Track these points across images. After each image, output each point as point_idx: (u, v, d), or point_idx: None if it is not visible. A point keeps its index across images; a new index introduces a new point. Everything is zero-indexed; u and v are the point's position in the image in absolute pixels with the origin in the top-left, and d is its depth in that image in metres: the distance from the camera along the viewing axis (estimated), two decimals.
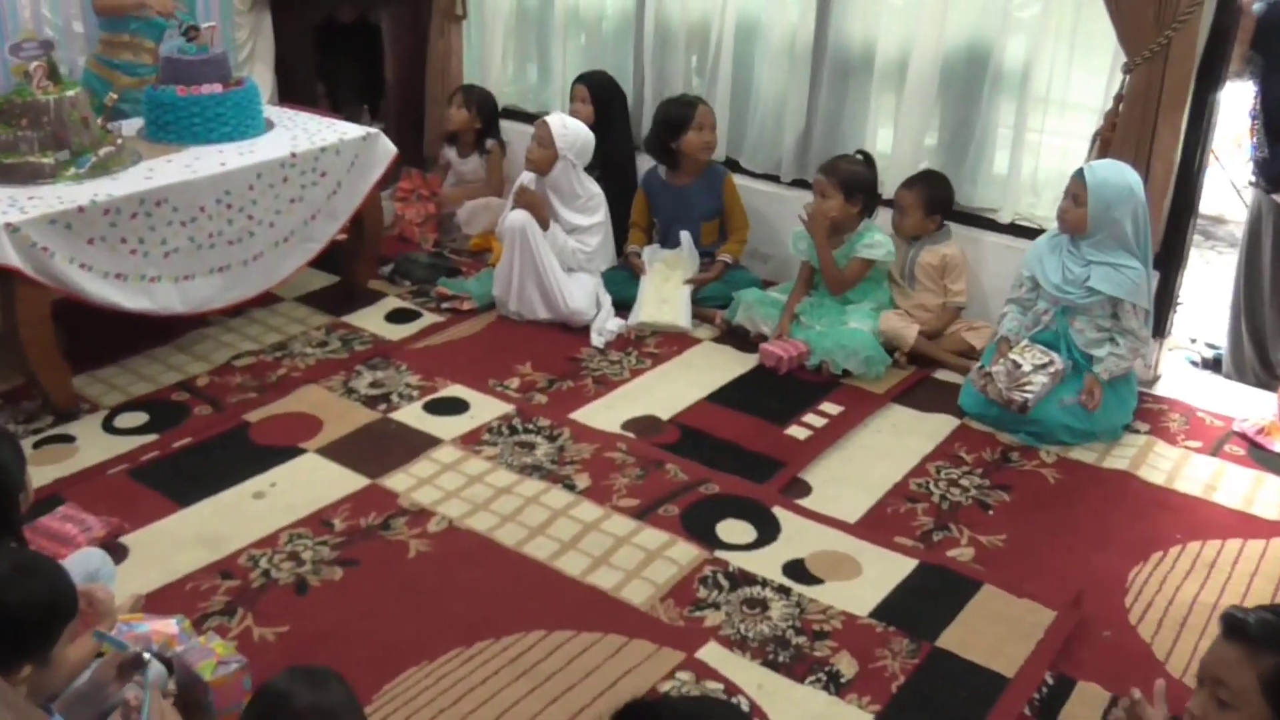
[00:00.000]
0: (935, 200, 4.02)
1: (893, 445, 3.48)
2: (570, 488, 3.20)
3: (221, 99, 3.92)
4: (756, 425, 3.57)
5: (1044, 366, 3.43)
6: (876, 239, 3.99)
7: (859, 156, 4.03)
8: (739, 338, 4.11)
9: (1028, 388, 3.41)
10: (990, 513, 3.17)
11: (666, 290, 4.24)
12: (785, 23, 4.46)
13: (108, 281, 3.48)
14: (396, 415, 3.57)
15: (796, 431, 3.54)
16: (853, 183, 3.94)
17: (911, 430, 3.57)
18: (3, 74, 4.21)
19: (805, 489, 3.25)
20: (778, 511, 3.13)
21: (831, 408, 3.68)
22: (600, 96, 4.72)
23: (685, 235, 4.35)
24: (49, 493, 3.13)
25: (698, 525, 3.06)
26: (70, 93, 3.58)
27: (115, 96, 4.13)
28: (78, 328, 3.70)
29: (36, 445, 3.39)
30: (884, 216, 4.13)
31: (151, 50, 4.28)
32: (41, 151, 3.52)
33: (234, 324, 4.13)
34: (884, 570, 2.91)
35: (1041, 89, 3.97)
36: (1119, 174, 3.43)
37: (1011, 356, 3.47)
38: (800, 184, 4.54)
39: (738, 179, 4.50)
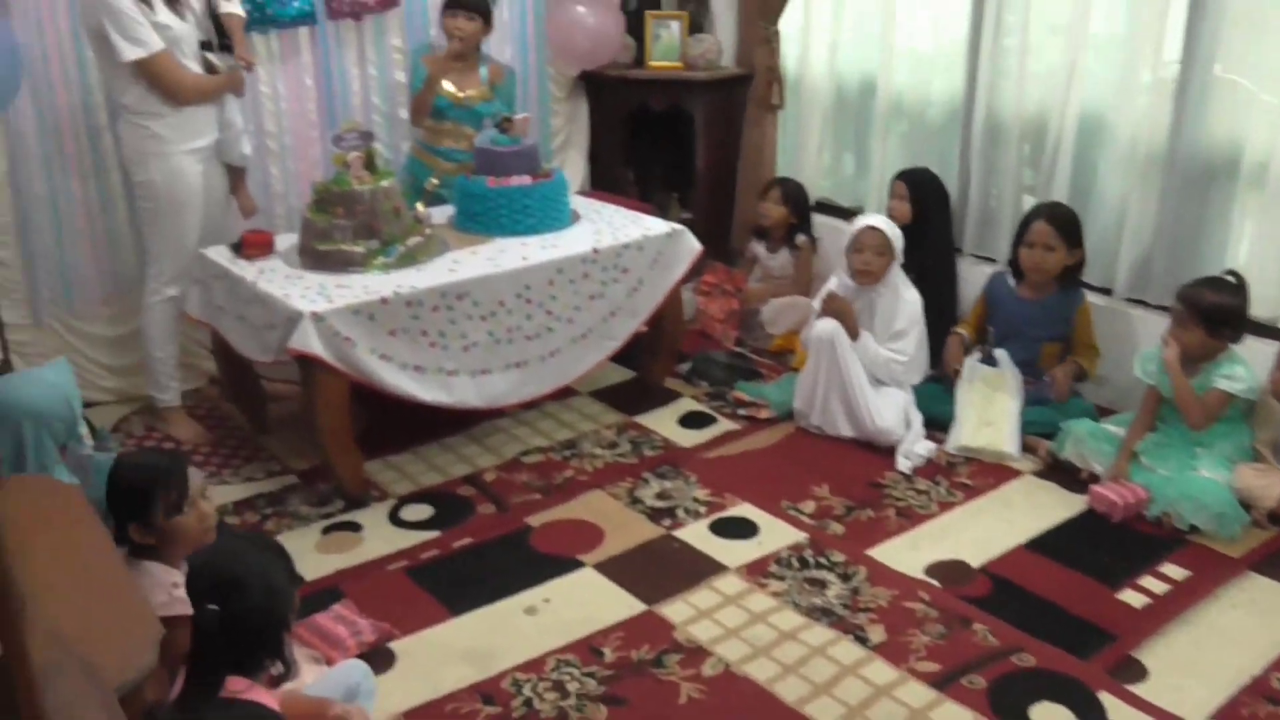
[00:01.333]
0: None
1: (1251, 627, 2.93)
2: (862, 640, 2.86)
3: (529, 191, 3.88)
4: (1083, 584, 3.10)
5: None
6: (1238, 371, 3.44)
7: (1229, 278, 3.50)
8: (1066, 475, 3.64)
9: None
10: None
11: (991, 412, 3.84)
12: (1134, 120, 4.00)
13: (406, 373, 3.46)
14: (681, 533, 3.35)
15: (1131, 597, 3.05)
16: (1218, 315, 3.41)
17: (1275, 609, 3.01)
18: (325, 161, 4.36)
19: (1140, 672, 2.76)
20: (1104, 698, 2.66)
21: (1175, 571, 3.16)
22: (921, 195, 4.40)
23: (1003, 354, 3.93)
24: (329, 584, 3.10)
25: (1007, 705, 2.63)
26: (385, 183, 3.61)
27: (436, 182, 4.17)
28: (377, 410, 3.71)
29: (325, 531, 3.40)
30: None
31: (470, 137, 4.32)
32: (353, 240, 3.56)
33: (527, 417, 4.05)
34: None
35: None
36: None
37: None
38: (1138, 302, 4.07)
39: None
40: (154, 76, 3.56)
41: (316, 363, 3.28)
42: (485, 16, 4.33)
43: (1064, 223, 3.93)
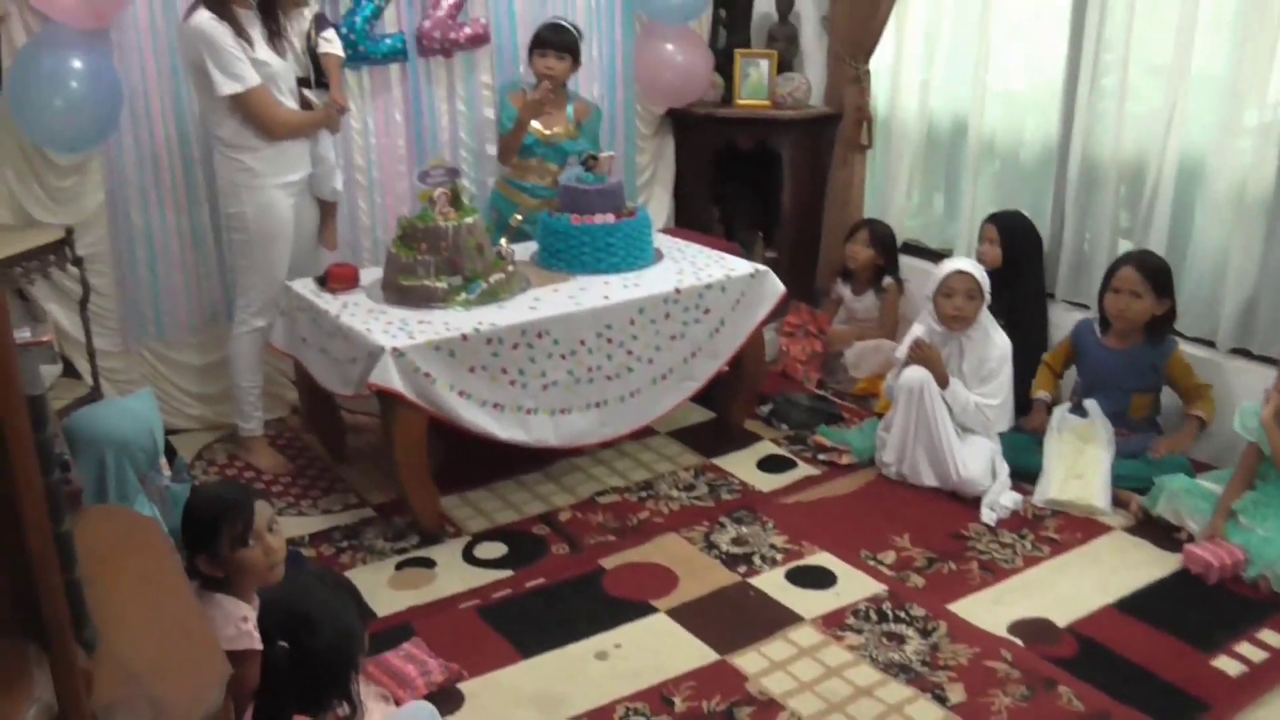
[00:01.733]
0: None
1: None
2: (941, 700, 2.76)
3: (612, 229, 3.87)
4: (1174, 648, 2.97)
5: None
6: None
7: None
8: (1159, 532, 3.50)
9: None
10: None
11: (1081, 464, 3.72)
12: (1237, 164, 3.87)
13: (484, 410, 3.45)
14: (756, 580, 3.29)
15: (1226, 664, 2.91)
16: None
17: None
18: (412, 196, 4.40)
19: None
20: None
21: (1274, 637, 3.00)
22: (1011, 238, 4.31)
23: (1093, 404, 3.81)
24: (400, 620, 3.10)
25: None
26: (469, 220, 3.62)
27: (520, 218, 4.19)
28: (455, 444, 3.71)
29: (399, 566, 3.39)
30: None
31: (555, 174, 4.33)
32: (436, 276, 3.58)
33: (604, 456, 4.03)
34: None
35: None
36: None
37: None
38: (1242, 353, 3.92)
39: None
40: (249, 111, 3.62)
41: (396, 398, 3.29)
42: (574, 55, 4.35)
43: (1153, 271, 3.81)
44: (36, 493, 1.34)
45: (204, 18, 3.52)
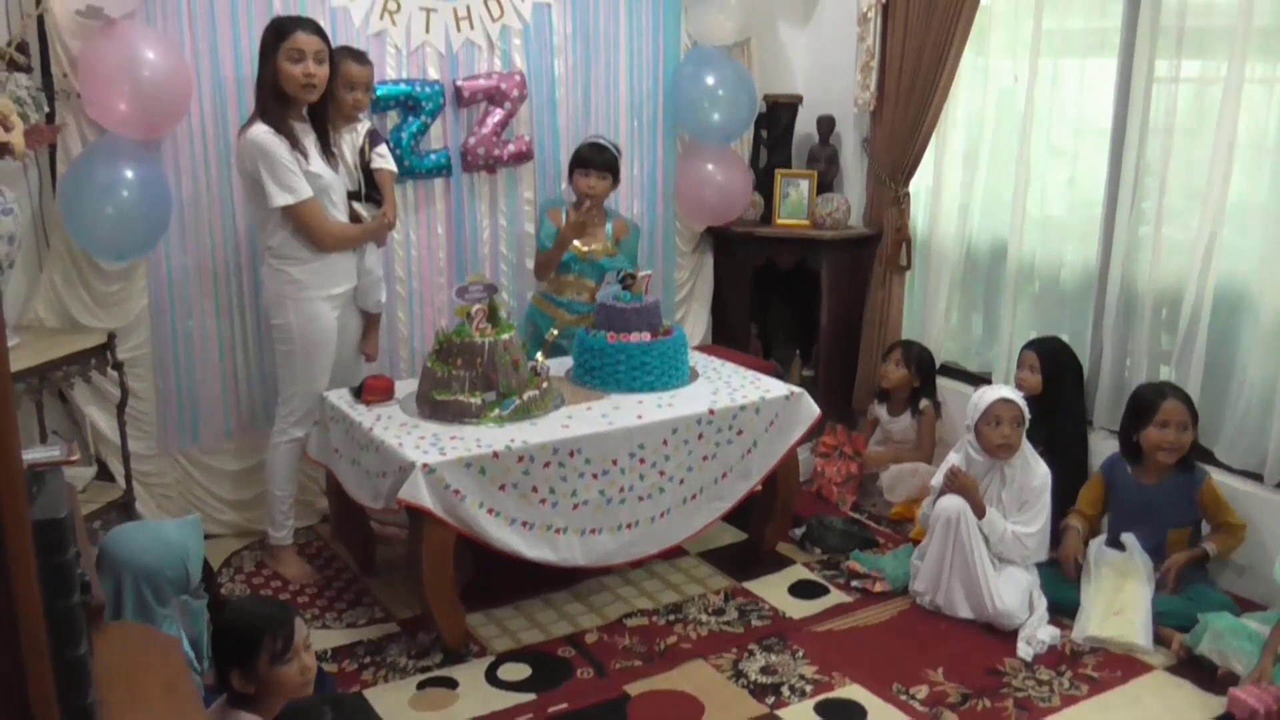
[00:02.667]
0: None
1: None
2: None
3: (648, 348, 3.87)
4: None
5: None
6: None
7: None
8: (1202, 672, 3.39)
9: None
10: None
11: (1120, 600, 3.62)
12: (1279, 294, 3.84)
13: (513, 529, 3.43)
14: (784, 713, 3.20)
15: None
16: None
17: None
18: (450, 308, 4.43)
19: None
20: None
21: None
22: (1051, 366, 4.27)
23: (1130, 538, 3.73)
24: None
25: None
26: (505, 336, 3.64)
27: (555, 333, 4.21)
28: (483, 559, 3.67)
29: (421, 686, 3.34)
30: None
31: (592, 290, 4.35)
32: (471, 391, 3.58)
33: (633, 576, 3.97)
34: None
35: None
36: None
37: None
38: None
39: (1214, 473, 3.85)
40: (300, 222, 3.68)
41: (425, 514, 3.27)
42: (615, 174, 4.41)
43: (1191, 402, 3.78)
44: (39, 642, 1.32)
45: (261, 130, 3.60)
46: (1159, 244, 4.17)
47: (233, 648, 2.51)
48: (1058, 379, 4.25)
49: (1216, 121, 3.90)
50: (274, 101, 3.64)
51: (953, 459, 3.83)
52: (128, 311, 4.02)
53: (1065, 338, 4.42)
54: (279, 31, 3.61)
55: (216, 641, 2.58)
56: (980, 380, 4.71)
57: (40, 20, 3.70)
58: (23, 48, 3.67)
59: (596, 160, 4.36)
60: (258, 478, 4.26)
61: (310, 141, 3.73)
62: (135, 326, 4.05)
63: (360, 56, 3.98)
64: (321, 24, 3.73)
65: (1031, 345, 4.36)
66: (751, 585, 3.95)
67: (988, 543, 3.69)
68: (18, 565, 1.24)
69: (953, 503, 3.70)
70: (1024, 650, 3.52)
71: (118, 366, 3.87)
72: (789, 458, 3.98)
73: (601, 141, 4.44)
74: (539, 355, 3.86)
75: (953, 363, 5.06)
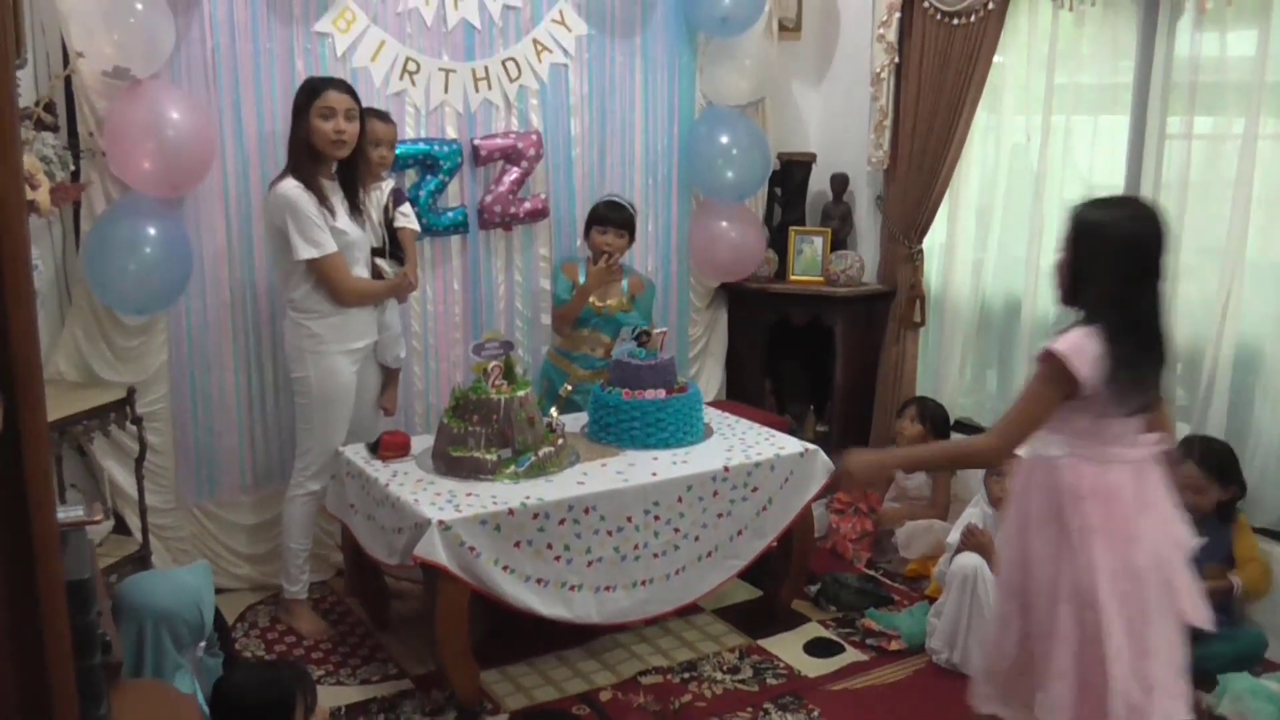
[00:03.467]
0: None
1: None
2: None
3: (663, 405, 3.88)
4: None
5: None
6: None
7: None
8: None
9: None
10: None
11: None
12: None
13: (528, 586, 3.42)
14: None
15: None
16: None
17: None
18: (466, 363, 4.46)
19: None
20: None
21: None
22: None
23: None
24: None
25: None
26: (521, 393, 3.66)
27: (570, 388, 4.22)
28: (498, 615, 3.66)
29: None
30: None
31: (606, 345, 4.38)
32: (486, 448, 3.60)
33: (648, 633, 3.96)
34: None
35: None
36: None
37: None
38: None
39: None
40: (324, 276, 3.73)
41: (440, 571, 3.27)
42: (631, 232, 4.46)
43: (1216, 462, 3.76)
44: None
45: (290, 185, 3.66)
46: (1175, 301, 4.18)
47: (253, 717, 2.53)
48: None
49: (1232, 178, 3.92)
50: (305, 158, 3.71)
51: (969, 515, 3.82)
52: (147, 366, 4.05)
53: None
54: (312, 91, 3.71)
55: (227, 709, 2.58)
56: None
57: (68, 81, 3.78)
58: (50, 107, 3.73)
59: (614, 218, 4.40)
60: (273, 532, 4.27)
61: (338, 199, 3.78)
62: (154, 381, 4.08)
63: (384, 116, 4.06)
64: None
65: None
66: (767, 643, 3.93)
67: None
68: (52, 630, 1.26)
69: (969, 560, 3.69)
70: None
71: (137, 421, 3.90)
72: (804, 514, 3.98)
73: (618, 200, 4.49)
74: (553, 411, 3.87)
75: (967, 419, 5.06)
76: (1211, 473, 3.73)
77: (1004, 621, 2.76)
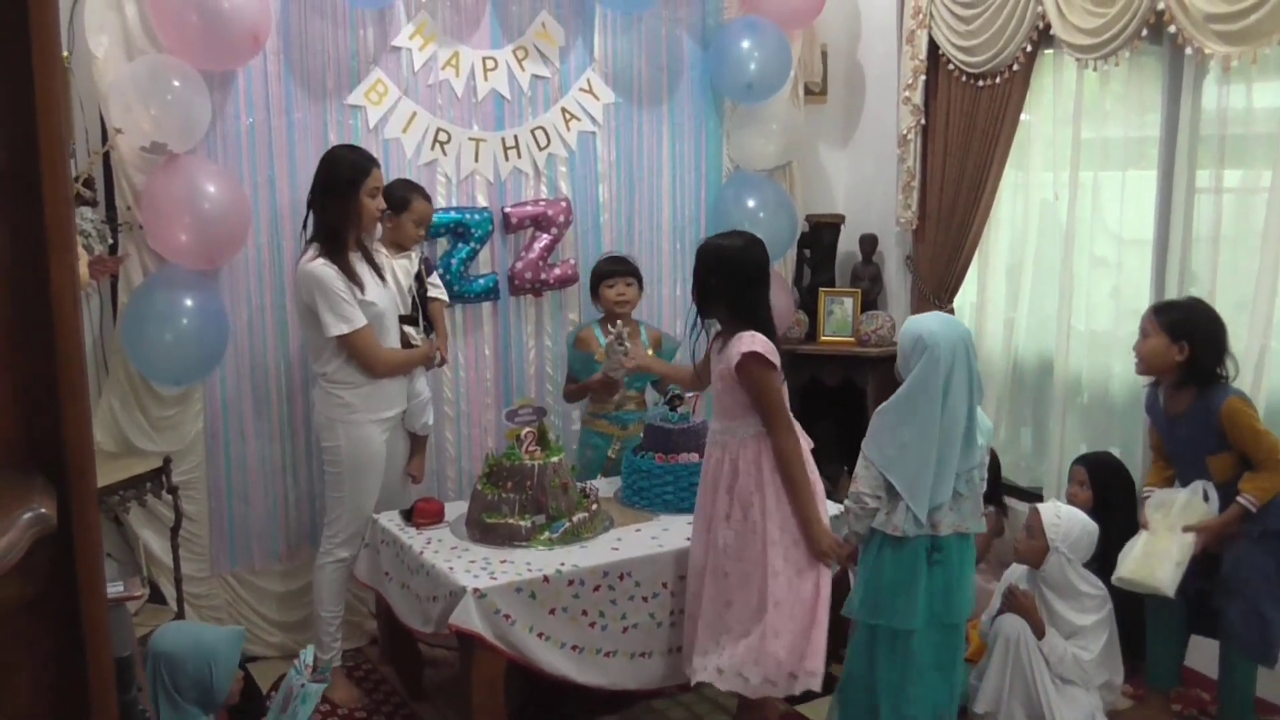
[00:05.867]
0: None
1: None
2: None
3: (695, 468, 3.86)
4: None
5: None
6: None
7: None
8: None
9: None
10: None
11: (1155, 544, 3.56)
12: None
13: (563, 653, 3.40)
14: None
15: None
16: None
17: None
18: (498, 428, 4.47)
19: None
20: None
21: None
22: (1100, 481, 4.21)
23: (1183, 491, 3.66)
24: None
25: None
26: (555, 459, 3.67)
27: (620, 446, 4.22)
28: (534, 682, 3.63)
29: None
30: None
31: (636, 399, 4.38)
32: (520, 514, 3.60)
33: (684, 699, 3.92)
34: None
35: None
36: None
37: None
38: None
39: None
40: (354, 350, 3.76)
41: (476, 639, 3.25)
42: (639, 279, 4.44)
43: (1167, 315, 3.63)
44: None
45: (318, 264, 3.70)
46: None
47: None
48: (1109, 493, 4.19)
49: (1262, 231, 3.90)
50: (337, 235, 3.74)
51: (1013, 574, 3.78)
52: (183, 435, 4.09)
53: (1116, 451, 4.37)
54: (361, 169, 3.76)
55: None
56: (1032, 495, 4.66)
57: (106, 156, 3.85)
58: (89, 183, 3.81)
59: (620, 269, 4.38)
60: (305, 599, 4.27)
61: (365, 270, 3.82)
62: (189, 450, 4.12)
63: (428, 196, 4.13)
64: (376, 155, 3.89)
65: (1081, 460, 4.32)
66: (804, 708, 3.88)
67: (1048, 663, 3.62)
68: (100, 711, 1.26)
69: (1013, 624, 3.63)
70: None
71: (173, 490, 3.93)
72: (840, 574, 3.94)
73: (616, 254, 4.50)
74: (599, 477, 3.86)
75: (1004, 478, 5.01)
76: (1156, 318, 3.62)
77: None
